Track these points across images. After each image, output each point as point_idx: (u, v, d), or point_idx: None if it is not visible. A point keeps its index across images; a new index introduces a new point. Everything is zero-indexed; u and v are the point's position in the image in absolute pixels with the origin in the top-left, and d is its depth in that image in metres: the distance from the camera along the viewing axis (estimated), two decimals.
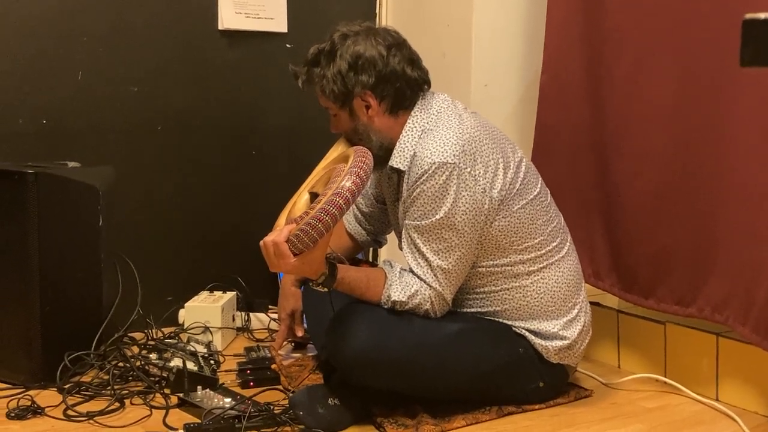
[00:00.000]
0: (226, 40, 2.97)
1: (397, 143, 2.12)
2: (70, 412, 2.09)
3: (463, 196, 2.01)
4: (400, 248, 2.14)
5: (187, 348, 2.41)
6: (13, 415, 2.08)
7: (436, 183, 2.00)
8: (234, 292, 2.84)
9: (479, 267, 2.12)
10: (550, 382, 2.19)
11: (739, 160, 2.12)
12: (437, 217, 2.02)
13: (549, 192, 2.23)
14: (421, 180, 2.01)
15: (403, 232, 2.10)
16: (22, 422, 2.06)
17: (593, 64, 2.50)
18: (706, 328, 2.30)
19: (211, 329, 2.61)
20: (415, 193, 2.03)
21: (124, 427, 2.03)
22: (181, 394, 2.15)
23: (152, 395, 2.20)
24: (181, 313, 2.78)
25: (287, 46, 3.05)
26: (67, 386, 2.22)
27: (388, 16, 3.19)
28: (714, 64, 2.15)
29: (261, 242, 1.91)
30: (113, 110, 2.81)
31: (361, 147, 2.02)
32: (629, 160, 2.40)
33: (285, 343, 2.67)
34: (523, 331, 2.14)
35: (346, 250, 2.39)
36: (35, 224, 2.25)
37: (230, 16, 2.95)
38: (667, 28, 2.28)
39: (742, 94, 2.10)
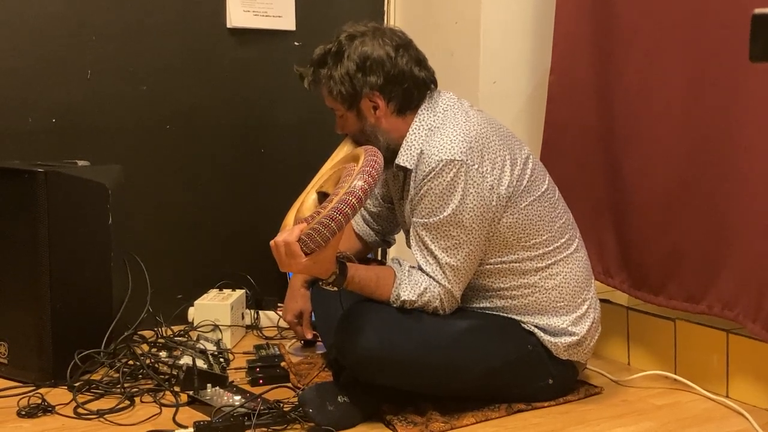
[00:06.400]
0: (235, 38, 2.97)
1: (404, 141, 2.11)
2: (80, 410, 2.10)
3: (471, 193, 2.01)
4: (408, 246, 2.14)
5: (197, 346, 2.41)
6: (23, 413, 2.09)
7: (444, 180, 2.00)
8: (243, 290, 2.85)
9: (487, 264, 2.11)
10: (560, 379, 2.19)
11: (750, 157, 2.11)
12: (445, 214, 2.01)
13: (557, 188, 2.22)
14: (429, 177, 2.01)
15: (411, 229, 2.10)
16: (33, 420, 2.07)
17: (602, 62, 2.50)
18: (716, 324, 2.29)
19: (220, 327, 2.62)
20: (422, 191, 2.03)
21: (134, 425, 2.03)
22: (190, 392, 2.15)
23: (162, 393, 2.20)
24: (191, 311, 2.78)
25: (295, 44, 3.05)
26: (77, 384, 2.23)
27: (396, 14, 3.18)
28: (725, 60, 2.14)
29: (272, 242, 1.90)
30: (122, 109, 2.82)
31: (372, 147, 2.01)
32: (639, 157, 2.40)
33: (294, 341, 2.68)
34: (532, 327, 2.14)
35: (355, 252, 2.38)
36: (45, 223, 2.26)
37: (238, 14, 2.95)
38: (677, 25, 2.27)
39: (753, 90, 2.09)
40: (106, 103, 2.80)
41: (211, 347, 2.43)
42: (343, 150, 2.16)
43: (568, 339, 2.14)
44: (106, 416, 2.07)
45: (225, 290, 2.80)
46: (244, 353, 2.58)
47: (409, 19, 3.10)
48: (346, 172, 1.94)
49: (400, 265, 2.08)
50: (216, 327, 2.62)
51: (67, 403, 2.14)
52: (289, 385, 2.28)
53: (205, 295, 2.76)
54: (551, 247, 2.13)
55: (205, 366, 2.27)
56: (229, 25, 2.95)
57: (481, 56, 2.78)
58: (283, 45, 3.04)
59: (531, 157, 2.16)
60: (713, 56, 2.19)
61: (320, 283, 2.05)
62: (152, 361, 2.33)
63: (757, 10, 1.17)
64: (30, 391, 2.20)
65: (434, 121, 2.10)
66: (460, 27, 2.86)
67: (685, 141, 2.28)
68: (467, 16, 2.83)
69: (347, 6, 3.12)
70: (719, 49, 2.16)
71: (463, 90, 2.46)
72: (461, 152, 2.00)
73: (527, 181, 2.10)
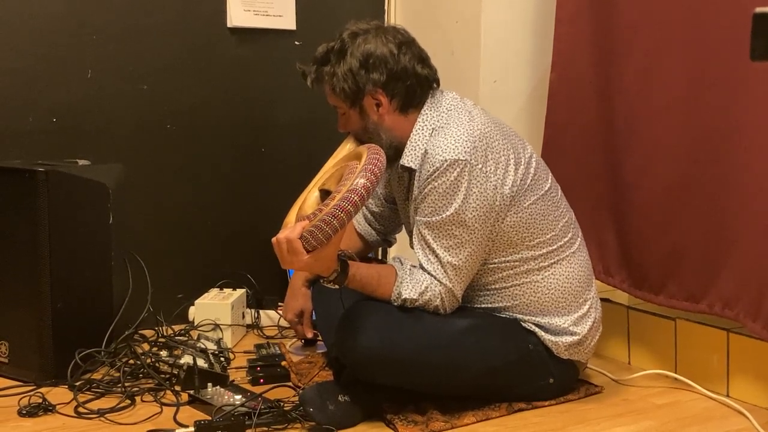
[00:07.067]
0: (235, 37, 2.98)
1: (408, 142, 2.12)
2: (81, 410, 2.09)
3: (474, 192, 2.01)
4: (412, 247, 2.14)
5: (198, 345, 2.41)
6: (24, 412, 2.09)
7: (447, 179, 2.00)
8: (244, 290, 2.85)
9: (490, 263, 2.12)
10: (560, 378, 2.19)
11: (750, 156, 2.11)
12: (447, 213, 2.02)
13: (559, 187, 2.22)
14: (432, 177, 2.01)
15: (414, 228, 2.11)
16: (34, 419, 2.07)
17: (603, 61, 2.50)
18: (716, 324, 2.29)
19: (221, 326, 2.62)
20: (426, 190, 2.03)
21: (134, 424, 2.03)
22: (191, 392, 2.15)
23: (163, 392, 2.20)
24: (192, 310, 2.78)
25: (296, 43, 3.05)
26: (78, 383, 2.23)
27: (396, 13, 3.19)
28: (725, 59, 2.14)
29: (273, 239, 1.90)
30: (123, 108, 2.82)
31: (374, 145, 2.01)
32: (639, 156, 2.40)
33: (294, 340, 2.68)
34: (533, 326, 2.14)
35: (356, 251, 2.37)
36: (46, 222, 2.26)
37: (239, 14, 2.95)
38: (678, 23, 2.27)
39: (753, 90, 2.09)
40: (107, 103, 2.80)
41: (211, 346, 2.44)
42: (346, 148, 2.16)
43: (569, 338, 2.14)
44: (106, 415, 2.07)
45: (225, 289, 2.80)
46: (245, 352, 2.58)
47: (409, 18, 3.10)
48: (348, 170, 1.94)
49: (402, 264, 2.09)
50: (216, 326, 2.62)
51: (68, 403, 2.14)
52: (290, 384, 2.28)
53: (206, 295, 2.76)
54: (554, 246, 2.13)
55: (206, 365, 2.27)
56: (229, 25, 2.95)
57: (481, 55, 2.78)
58: (283, 44, 3.04)
59: (534, 155, 2.16)
60: (713, 56, 2.19)
61: (321, 281, 2.05)
62: (153, 360, 2.33)
63: (758, 9, 1.18)
64: (31, 391, 2.20)
65: (438, 121, 2.11)
66: (461, 26, 2.87)
67: (685, 140, 2.28)
68: (468, 15, 2.83)
69: (348, 5, 3.12)
70: (719, 48, 2.16)
71: (464, 89, 2.46)
72: (465, 152, 2.00)
73: (531, 180, 2.10)
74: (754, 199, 2.11)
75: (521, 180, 2.08)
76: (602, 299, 2.35)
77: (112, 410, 2.09)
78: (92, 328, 2.37)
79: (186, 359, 2.28)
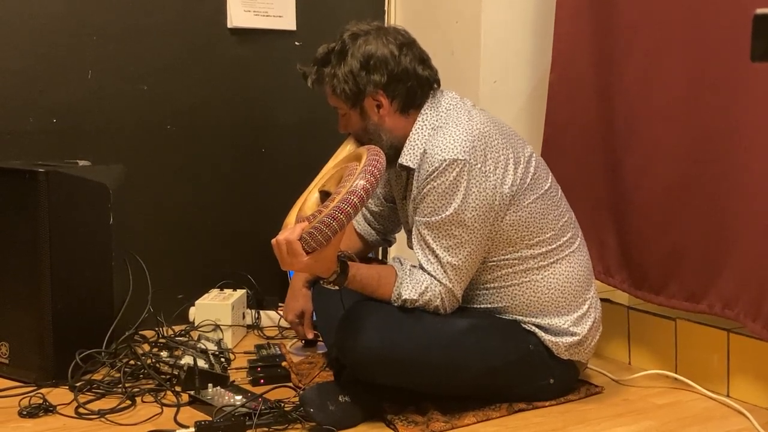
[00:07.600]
0: (235, 38, 2.97)
1: (407, 141, 2.12)
2: (81, 410, 2.09)
3: (473, 192, 2.01)
4: (410, 246, 2.14)
5: (198, 346, 2.41)
6: (25, 413, 2.09)
7: (447, 179, 2.00)
8: (244, 290, 2.85)
9: (490, 262, 2.12)
10: (561, 378, 2.19)
11: (750, 156, 2.12)
12: (447, 213, 2.02)
13: (560, 187, 2.22)
14: (432, 177, 2.01)
15: (414, 228, 2.11)
16: (34, 420, 2.07)
17: (603, 61, 2.50)
18: (716, 324, 2.29)
19: (221, 327, 2.62)
20: (425, 190, 2.03)
21: (135, 424, 2.03)
22: (192, 392, 2.15)
23: (163, 393, 2.20)
24: (192, 310, 2.78)
25: (296, 44, 3.05)
26: (78, 384, 2.23)
27: (396, 13, 3.19)
28: (725, 60, 2.15)
29: (273, 240, 1.90)
30: (123, 109, 2.82)
31: (374, 146, 2.01)
32: (639, 156, 2.40)
33: (295, 341, 2.68)
34: (533, 327, 2.14)
35: (356, 251, 2.38)
36: (46, 223, 2.26)
37: (239, 14, 2.95)
38: (678, 23, 2.27)
39: (753, 90, 2.09)
40: (107, 103, 2.80)
41: (212, 347, 2.43)
42: (346, 149, 2.16)
43: (569, 339, 2.14)
44: (107, 416, 2.07)
45: (226, 290, 2.80)
46: (245, 353, 2.58)
47: (409, 18, 3.10)
48: (348, 171, 1.94)
49: (402, 264, 2.09)
50: (217, 327, 2.62)
51: (69, 403, 2.14)
52: (290, 384, 2.28)
53: (206, 295, 2.76)
54: (554, 246, 2.13)
55: (206, 366, 2.27)
56: (229, 25, 2.95)
57: (481, 55, 2.78)
58: (283, 45, 3.04)
59: (534, 155, 2.16)
60: (713, 56, 2.19)
61: (321, 282, 2.05)
62: (153, 360, 2.33)
63: (759, 11, 1.18)
64: (31, 391, 2.20)
65: (437, 121, 2.11)
66: (461, 26, 2.87)
67: (685, 140, 2.28)
68: (468, 15, 2.83)
69: (348, 6, 3.12)
70: (719, 49, 2.17)
71: (464, 89, 2.46)
72: (464, 151, 2.00)
73: (531, 180, 2.10)
74: (754, 199, 2.11)
75: (521, 179, 2.08)
76: (602, 299, 2.35)
77: (112, 411, 2.09)
78: (92, 329, 2.37)
79: (186, 360, 2.27)
